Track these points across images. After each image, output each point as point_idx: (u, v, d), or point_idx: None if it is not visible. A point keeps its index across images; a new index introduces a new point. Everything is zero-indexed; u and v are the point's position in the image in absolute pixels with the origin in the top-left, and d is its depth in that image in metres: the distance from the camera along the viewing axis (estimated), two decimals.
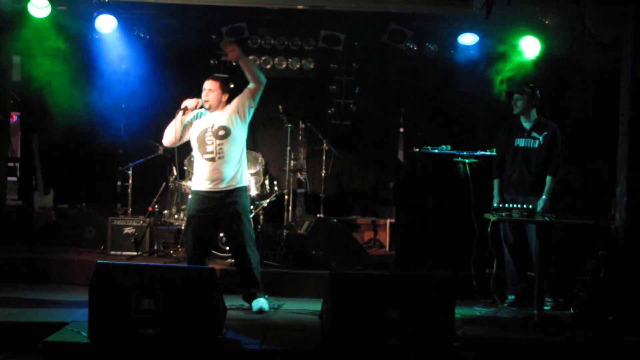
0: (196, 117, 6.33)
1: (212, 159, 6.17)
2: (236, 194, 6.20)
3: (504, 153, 6.94)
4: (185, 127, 6.30)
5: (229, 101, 6.36)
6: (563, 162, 6.97)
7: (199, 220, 6.23)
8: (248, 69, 6.25)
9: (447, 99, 9.19)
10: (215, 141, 6.17)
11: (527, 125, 6.84)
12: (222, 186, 6.16)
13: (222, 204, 6.17)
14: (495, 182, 6.95)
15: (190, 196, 6.54)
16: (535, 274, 6.39)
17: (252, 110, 6.36)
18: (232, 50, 6.11)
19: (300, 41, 9.57)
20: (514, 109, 6.86)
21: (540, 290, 6.36)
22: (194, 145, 6.30)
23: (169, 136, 6.27)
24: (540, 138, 6.75)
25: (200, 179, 6.25)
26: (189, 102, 6.19)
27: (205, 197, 6.20)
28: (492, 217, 6.41)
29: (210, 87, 6.26)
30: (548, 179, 6.68)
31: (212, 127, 6.20)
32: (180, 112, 6.17)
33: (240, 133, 6.29)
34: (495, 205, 6.68)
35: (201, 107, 6.25)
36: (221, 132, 6.17)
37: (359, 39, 9.59)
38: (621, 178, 6.56)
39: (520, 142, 6.82)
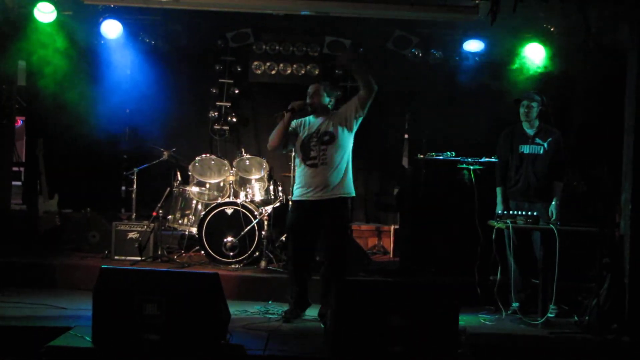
0: (302, 125, 6.28)
1: (315, 165, 6.09)
2: (339, 203, 6.13)
3: (507, 160, 6.92)
4: (291, 133, 6.24)
5: (335, 108, 6.33)
6: (568, 167, 6.97)
7: (299, 231, 6.20)
8: (361, 75, 6.14)
9: (452, 105, 9.18)
10: (319, 146, 6.10)
11: (530, 131, 6.83)
12: (325, 193, 6.07)
13: (323, 212, 6.09)
14: (499, 190, 6.94)
15: (290, 207, 6.45)
16: (540, 281, 6.39)
17: (360, 120, 6.20)
18: (352, 56, 6.05)
19: (305, 47, 9.59)
20: (525, 116, 6.81)
21: (545, 298, 6.35)
22: (297, 153, 6.26)
23: (275, 139, 6.19)
24: (545, 144, 6.74)
25: (301, 188, 6.18)
26: (295, 103, 6.15)
27: (306, 205, 6.15)
28: (497, 224, 6.40)
29: (314, 90, 6.23)
30: (556, 184, 6.68)
31: (317, 132, 6.15)
32: (288, 114, 6.11)
33: (346, 141, 6.15)
34: (499, 212, 6.66)
35: (306, 108, 6.20)
36: (326, 138, 6.10)
37: (364, 45, 9.60)
38: (626, 185, 6.54)
39: (525, 149, 6.81)
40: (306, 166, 6.14)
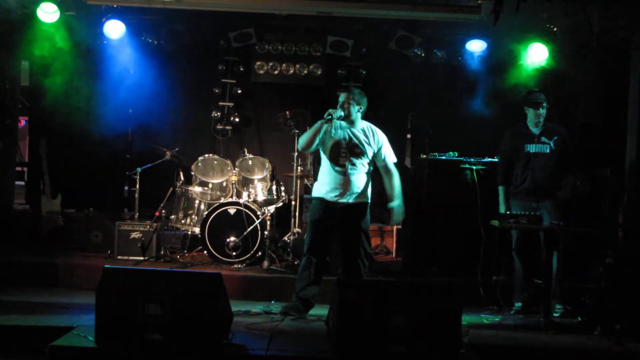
0: (331, 127, 6.36)
1: (344, 173, 6.25)
2: (362, 208, 6.32)
3: (511, 159, 6.91)
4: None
5: (364, 114, 6.46)
6: (578, 160, 6.93)
7: (319, 226, 6.34)
8: None
9: (455, 105, 9.18)
10: (348, 156, 6.26)
11: (535, 130, 6.81)
12: (350, 199, 6.27)
13: (346, 215, 6.27)
14: (501, 189, 6.93)
15: (313, 201, 6.51)
16: (543, 280, 6.38)
17: None
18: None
19: (308, 47, 9.58)
20: (535, 118, 6.78)
21: (547, 297, 6.35)
22: (325, 153, 6.37)
23: (307, 142, 6.27)
24: (551, 143, 6.73)
25: (328, 188, 6.32)
26: (333, 113, 6.20)
27: (330, 206, 6.29)
28: (499, 224, 6.39)
29: (344, 99, 6.33)
30: (568, 177, 6.70)
31: (349, 142, 6.29)
32: (325, 122, 6.19)
33: (371, 155, 6.38)
34: (502, 212, 6.65)
35: (339, 117, 6.28)
36: (357, 150, 6.28)
37: (366, 45, 9.59)
38: (629, 185, 6.54)
39: (531, 148, 6.79)
40: (334, 171, 6.30)
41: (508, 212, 6.48)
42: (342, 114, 6.26)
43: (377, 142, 6.37)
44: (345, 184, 6.25)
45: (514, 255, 6.77)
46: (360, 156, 6.27)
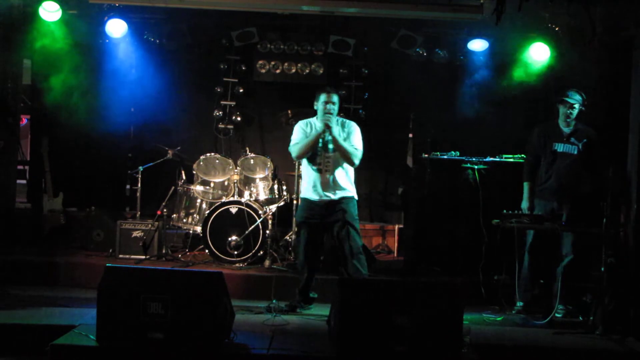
0: (308, 127, 6.48)
1: (320, 170, 6.33)
2: (344, 202, 6.35)
3: (538, 156, 6.88)
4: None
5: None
6: (602, 168, 6.91)
7: (308, 226, 6.45)
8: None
9: (457, 105, 9.17)
10: (323, 153, 6.32)
11: (566, 130, 6.76)
12: (331, 195, 6.35)
13: (331, 211, 6.33)
14: (526, 185, 6.90)
15: (299, 204, 6.68)
16: (545, 280, 6.38)
17: None
18: None
19: (310, 46, 9.58)
20: (564, 116, 6.74)
21: (550, 297, 6.35)
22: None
23: (303, 153, 6.37)
24: (580, 145, 6.68)
25: (309, 188, 6.43)
26: (328, 120, 6.26)
27: (314, 205, 6.39)
28: (501, 224, 6.39)
29: (336, 101, 6.38)
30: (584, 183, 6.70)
31: (323, 139, 6.30)
32: (327, 131, 6.24)
33: None
34: (523, 209, 6.65)
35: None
36: (330, 146, 6.28)
37: (368, 44, 9.59)
38: (632, 185, 6.53)
39: (559, 147, 6.75)
40: (312, 170, 6.39)
41: (510, 212, 6.45)
42: (336, 118, 6.34)
43: (347, 131, 6.40)
44: (324, 181, 6.33)
45: (526, 254, 6.74)
46: (334, 151, 6.30)
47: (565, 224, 6.46)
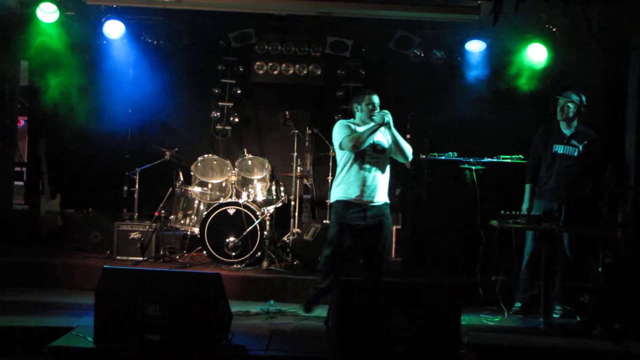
0: (350, 128, 6.28)
1: (369, 171, 6.15)
2: (385, 208, 6.22)
3: (540, 158, 6.89)
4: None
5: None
6: (602, 171, 6.90)
7: (344, 227, 6.19)
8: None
9: (454, 106, 9.17)
10: (373, 154, 6.18)
11: (567, 132, 6.77)
12: (375, 199, 6.15)
13: (371, 215, 6.15)
14: (527, 187, 6.91)
15: (337, 204, 6.30)
16: (543, 281, 6.38)
17: None
18: None
19: (308, 47, 9.57)
20: (560, 115, 6.78)
21: (547, 298, 6.35)
22: (348, 154, 6.23)
23: (362, 143, 6.15)
24: (580, 147, 6.68)
25: (352, 189, 6.18)
26: (386, 115, 6.13)
27: (355, 207, 6.15)
28: (499, 224, 6.39)
29: (377, 102, 6.27)
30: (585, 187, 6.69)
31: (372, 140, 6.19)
32: (382, 126, 6.11)
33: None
34: (523, 210, 6.65)
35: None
36: (379, 147, 6.19)
37: (366, 45, 9.59)
38: (628, 185, 6.54)
39: (559, 149, 6.76)
40: (359, 170, 6.17)
41: (506, 212, 6.45)
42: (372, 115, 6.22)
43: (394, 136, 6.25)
44: (371, 184, 6.15)
45: (525, 255, 6.74)
46: (383, 152, 6.21)
47: (562, 224, 6.46)
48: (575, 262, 6.70)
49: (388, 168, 6.29)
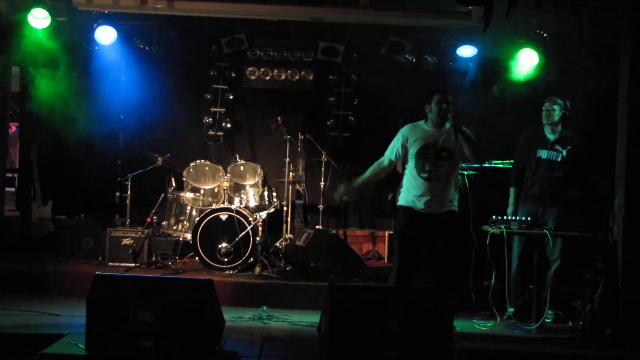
0: (415, 130, 6.15)
1: (429, 179, 5.96)
2: (451, 217, 6.04)
3: (524, 162, 6.91)
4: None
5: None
6: (587, 175, 6.93)
7: (407, 237, 6.05)
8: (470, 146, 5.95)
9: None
10: (435, 162, 5.96)
11: (551, 137, 6.80)
12: (438, 208, 5.97)
13: (435, 224, 5.98)
14: (512, 191, 6.94)
15: (400, 212, 6.17)
16: (535, 286, 6.39)
17: None
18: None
19: (300, 53, 9.59)
20: (545, 119, 6.81)
21: (539, 303, 6.36)
22: (411, 159, 6.07)
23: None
24: (564, 152, 6.71)
25: (413, 197, 6.03)
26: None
27: (418, 216, 6.01)
28: (491, 229, 6.40)
29: (450, 100, 6.03)
30: (570, 191, 6.71)
31: (435, 145, 6.01)
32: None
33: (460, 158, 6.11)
34: (508, 214, 6.66)
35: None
36: (444, 154, 5.97)
37: (358, 50, 9.62)
38: (619, 190, 6.56)
39: (543, 154, 6.78)
40: (420, 177, 6.00)
41: (499, 218, 6.47)
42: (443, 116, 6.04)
43: (459, 144, 6.01)
44: (433, 192, 5.96)
45: (514, 260, 6.76)
46: (448, 159, 5.97)
47: (554, 229, 6.47)
48: (567, 266, 6.72)
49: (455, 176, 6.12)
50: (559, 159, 6.72)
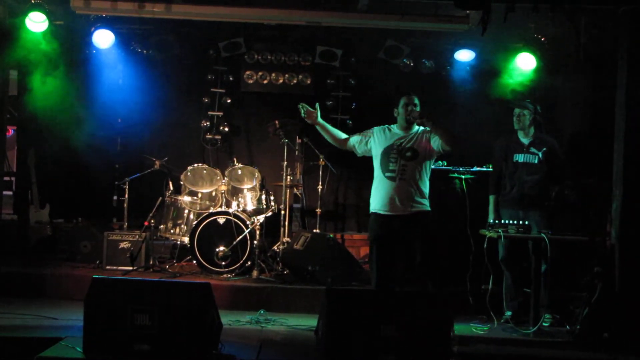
0: (383, 132, 6.19)
1: (393, 179, 6.00)
2: (423, 217, 6.05)
3: (501, 169, 6.96)
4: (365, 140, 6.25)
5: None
6: (567, 170, 7.00)
7: (381, 242, 6.07)
8: (442, 133, 5.99)
9: (443, 115, 9.20)
10: (399, 161, 6.00)
11: (525, 140, 6.87)
12: (405, 208, 5.98)
13: (404, 225, 6.00)
14: (492, 198, 6.98)
15: (371, 218, 6.21)
16: (532, 290, 6.39)
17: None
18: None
19: (297, 57, 9.61)
20: (517, 124, 6.89)
21: (537, 307, 6.36)
22: (376, 159, 6.15)
23: None
24: (540, 154, 6.78)
25: (380, 199, 6.07)
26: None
27: (387, 219, 6.03)
28: (488, 233, 6.41)
29: (417, 102, 6.07)
30: (551, 187, 6.74)
31: (400, 146, 6.06)
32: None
33: (428, 160, 6.11)
34: (490, 221, 6.67)
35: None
36: (408, 154, 6.00)
37: (355, 55, 9.62)
38: (617, 194, 6.57)
39: (520, 158, 6.84)
40: (385, 177, 6.05)
41: (496, 222, 6.49)
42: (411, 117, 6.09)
43: (428, 140, 6.08)
44: (397, 191, 5.99)
45: (502, 265, 6.78)
46: (412, 159, 6.00)
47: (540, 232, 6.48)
48: (564, 270, 6.72)
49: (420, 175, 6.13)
50: (536, 161, 6.80)
